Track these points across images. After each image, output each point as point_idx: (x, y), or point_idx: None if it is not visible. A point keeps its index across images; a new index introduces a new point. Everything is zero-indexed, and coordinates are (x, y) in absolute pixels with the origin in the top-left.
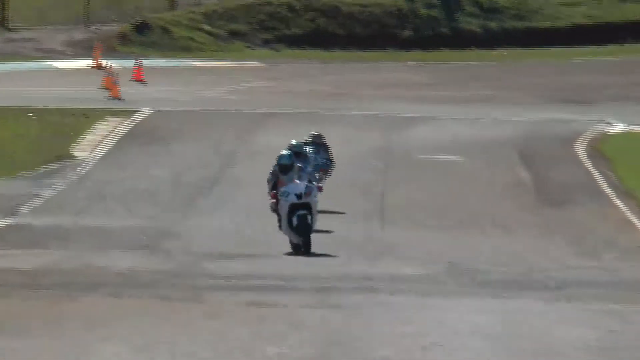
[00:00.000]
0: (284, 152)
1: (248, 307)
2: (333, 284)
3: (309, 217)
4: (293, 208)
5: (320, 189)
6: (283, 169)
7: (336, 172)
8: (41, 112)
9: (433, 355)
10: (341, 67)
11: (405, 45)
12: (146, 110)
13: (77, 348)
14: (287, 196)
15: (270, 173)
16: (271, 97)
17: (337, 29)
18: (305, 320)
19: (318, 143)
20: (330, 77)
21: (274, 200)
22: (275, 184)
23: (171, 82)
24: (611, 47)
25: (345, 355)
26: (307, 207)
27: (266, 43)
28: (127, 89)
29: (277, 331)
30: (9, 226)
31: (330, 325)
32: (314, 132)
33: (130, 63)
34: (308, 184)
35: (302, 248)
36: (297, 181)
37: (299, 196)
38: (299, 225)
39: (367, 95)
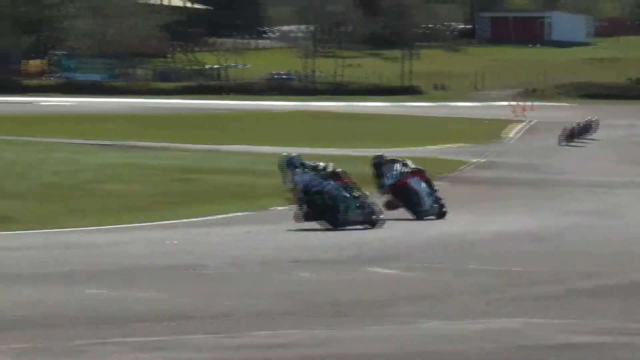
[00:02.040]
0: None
1: None
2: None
3: None
4: None
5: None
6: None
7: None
8: (487, 122)
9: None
10: None
11: None
12: (533, 121)
13: None
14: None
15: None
16: None
17: None
18: None
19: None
20: None
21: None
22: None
23: (545, 111)
24: None
25: None
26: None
27: None
28: (527, 113)
29: None
30: (480, 163)
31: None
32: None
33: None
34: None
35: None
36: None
37: None
38: None
39: None
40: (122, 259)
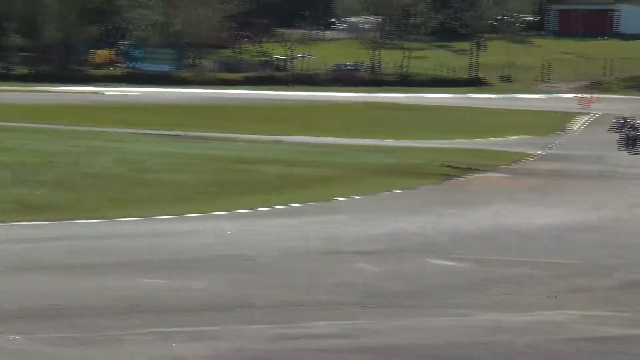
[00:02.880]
0: None
1: None
2: None
3: None
4: None
5: None
6: None
7: None
8: (552, 114)
9: None
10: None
11: None
12: (598, 113)
13: None
14: None
15: None
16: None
17: None
18: None
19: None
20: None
21: None
22: None
23: (610, 104)
24: None
25: None
26: None
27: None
28: (592, 105)
29: None
30: (544, 154)
31: None
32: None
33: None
34: None
35: None
36: None
37: None
38: None
39: None
40: (179, 249)
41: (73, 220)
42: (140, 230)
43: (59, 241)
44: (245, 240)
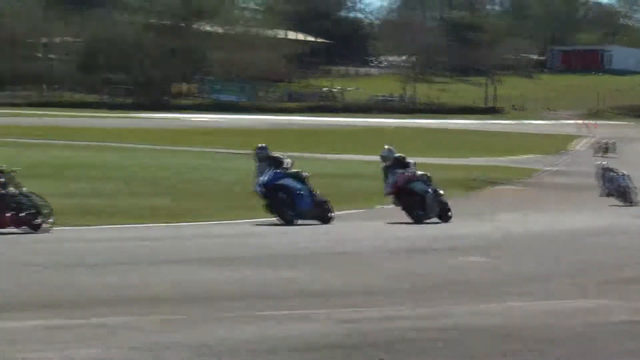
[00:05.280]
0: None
1: None
2: None
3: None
4: None
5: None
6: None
7: None
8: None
9: None
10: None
11: None
12: (596, 136)
13: None
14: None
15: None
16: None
17: None
18: None
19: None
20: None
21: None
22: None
23: (606, 129)
24: None
25: None
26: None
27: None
28: (592, 129)
29: None
30: (551, 170)
31: None
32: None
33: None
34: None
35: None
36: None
37: None
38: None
39: None
40: (287, 246)
41: (204, 222)
42: (259, 231)
43: (199, 239)
44: (338, 239)
